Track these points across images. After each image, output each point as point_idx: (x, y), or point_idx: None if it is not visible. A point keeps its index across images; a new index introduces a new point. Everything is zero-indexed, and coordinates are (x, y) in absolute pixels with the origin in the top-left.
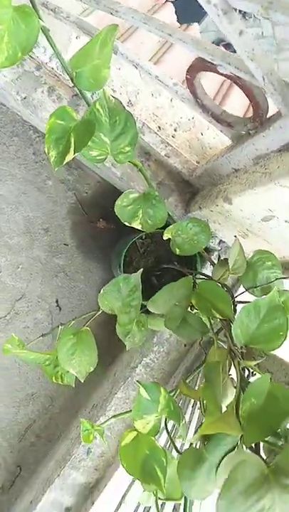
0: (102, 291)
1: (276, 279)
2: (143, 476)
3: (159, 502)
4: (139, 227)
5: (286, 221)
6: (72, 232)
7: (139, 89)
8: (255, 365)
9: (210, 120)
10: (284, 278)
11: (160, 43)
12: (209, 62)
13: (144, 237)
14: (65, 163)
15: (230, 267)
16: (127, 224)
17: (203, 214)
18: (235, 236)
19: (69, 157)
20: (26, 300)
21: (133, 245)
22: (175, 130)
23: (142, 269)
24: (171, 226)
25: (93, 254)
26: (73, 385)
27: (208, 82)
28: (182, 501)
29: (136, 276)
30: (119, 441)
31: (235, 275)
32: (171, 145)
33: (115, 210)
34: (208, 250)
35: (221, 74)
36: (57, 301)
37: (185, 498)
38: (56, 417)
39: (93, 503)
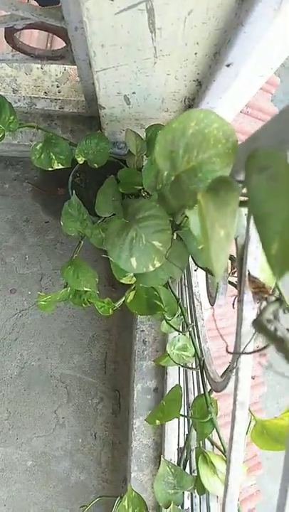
0: (61, 223)
1: None
2: (150, 310)
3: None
4: (59, 167)
5: (133, 93)
6: (45, 211)
7: (14, 76)
8: None
9: (51, 63)
10: None
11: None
12: (8, 27)
13: (78, 175)
14: None
15: (134, 153)
16: (50, 169)
17: (111, 131)
18: (127, 128)
19: None
20: (46, 276)
21: (75, 185)
22: (58, 86)
23: (74, 191)
24: (75, 150)
25: None
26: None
27: None
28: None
29: (73, 198)
30: (125, 301)
31: (143, 156)
32: (60, 98)
33: (35, 164)
34: None
35: (21, 29)
36: None
37: (180, 308)
38: (118, 340)
39: None
